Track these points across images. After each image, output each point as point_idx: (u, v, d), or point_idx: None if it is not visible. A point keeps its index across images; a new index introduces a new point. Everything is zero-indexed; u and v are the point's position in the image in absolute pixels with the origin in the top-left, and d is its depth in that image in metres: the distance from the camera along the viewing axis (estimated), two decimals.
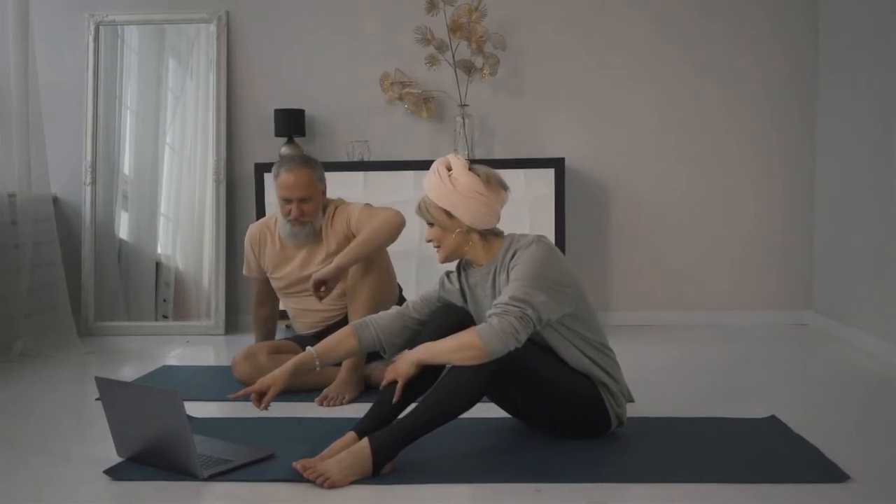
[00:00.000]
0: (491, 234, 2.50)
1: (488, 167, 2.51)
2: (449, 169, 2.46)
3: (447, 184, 2.42)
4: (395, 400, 2.35)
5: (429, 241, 2.51)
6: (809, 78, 4.54)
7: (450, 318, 2.48)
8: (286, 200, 3.19)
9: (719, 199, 4.62)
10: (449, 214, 2.44)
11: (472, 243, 2.49)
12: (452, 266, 2.63)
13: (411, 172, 4.26)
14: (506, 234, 2.54)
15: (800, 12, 4.53)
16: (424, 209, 2.48)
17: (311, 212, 3.21)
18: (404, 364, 2.34)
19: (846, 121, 4.19)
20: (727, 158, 4.61)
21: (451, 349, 2.30)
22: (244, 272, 3.46)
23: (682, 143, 4.61)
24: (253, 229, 3.40)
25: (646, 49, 4.58)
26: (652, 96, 4.59)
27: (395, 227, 3.11)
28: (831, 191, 4.38)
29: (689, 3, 4.55)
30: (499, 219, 2.50)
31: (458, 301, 2.58)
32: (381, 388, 2.41)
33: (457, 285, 2.59)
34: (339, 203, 3.32)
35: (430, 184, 2.47)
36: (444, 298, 2.60)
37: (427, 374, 2.36)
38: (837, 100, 4.29)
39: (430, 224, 2.48)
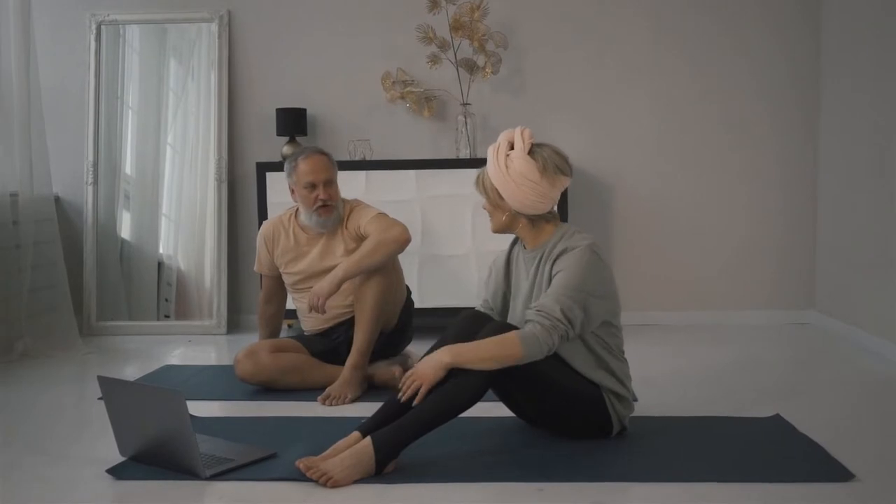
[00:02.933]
0: (541, 220, 2.48)
1: (553, 149, 2.46)
2: (511, 147, 2.44)
3: (501, 166, 2.42)
4: (416, 402, 2.27)
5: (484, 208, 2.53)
6: (811, 78, 4.53)
7: (475, 323, 2.47)
8: (312, 186, 3.18)
9: (721, 199, 4.61)
10: (500, 195, 2.45)
11: (522, 226, 2.49)
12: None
13: (413, 172, 4.25)
14: (561, 222, 2.53)
15: (801, 12, 4.51)
16: (480, 182, 2.49)
17: (335, 195, 3.23)
18: (431, 368, 2.27)
19: (849, 120, 4.18)
20: (728, 158, 4.59)
21: (489, 358, 2.26)
22: (255, 268, 3.47)
23: (683, 143, 4.60)
24: (267, 226, 3.41)
25: (647, 49, 4.56)
26: (653, 96, 4.58)
27: (402, 244, 3.13)
28: (834, 190, 4.37)
29: (689, 4, 4.54)
30: (553, 203, 2.47)
31: (501, 278, 2.60)
32: (399, 399, 2.31)
33: (504, 258, 2.62)
34: (356, 204, 3.32)
35: (489, 158, 2.46)
36: (496, 280, 2.62)
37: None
38: (840, 99, 4.28)
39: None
